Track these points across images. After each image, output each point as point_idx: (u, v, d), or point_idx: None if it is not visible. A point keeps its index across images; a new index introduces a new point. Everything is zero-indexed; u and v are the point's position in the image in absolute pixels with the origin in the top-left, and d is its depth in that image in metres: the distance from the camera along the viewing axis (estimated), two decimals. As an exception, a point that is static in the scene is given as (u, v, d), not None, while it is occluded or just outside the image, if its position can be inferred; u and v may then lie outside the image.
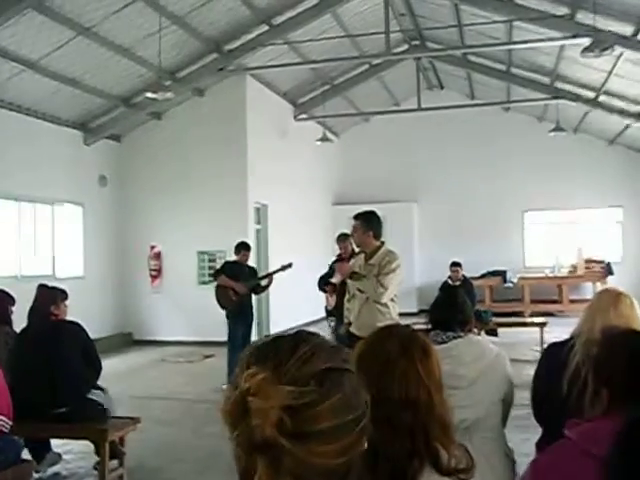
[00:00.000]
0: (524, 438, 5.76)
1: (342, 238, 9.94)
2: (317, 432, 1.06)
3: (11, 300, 6.18)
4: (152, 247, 15.38)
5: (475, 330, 10.98)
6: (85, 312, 12.24)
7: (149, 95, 11.65)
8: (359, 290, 6.35)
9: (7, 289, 6.61)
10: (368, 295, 6.26)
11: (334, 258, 10.63)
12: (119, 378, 10.65)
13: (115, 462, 5.79)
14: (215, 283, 10.40)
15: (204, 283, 14.08)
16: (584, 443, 1.65)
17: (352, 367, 1.17)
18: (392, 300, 6.34)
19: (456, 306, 3.64)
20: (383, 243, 6.50)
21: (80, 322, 5.98)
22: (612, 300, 3.24)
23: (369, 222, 6.48)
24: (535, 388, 3.43)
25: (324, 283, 10.30)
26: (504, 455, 3.41)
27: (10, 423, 4.53)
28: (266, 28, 13.39)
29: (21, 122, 12.35)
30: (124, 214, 15.35)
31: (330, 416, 1.07)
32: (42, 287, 5.96)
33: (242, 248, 10.45)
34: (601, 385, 1.81)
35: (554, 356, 3.25)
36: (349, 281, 6.61)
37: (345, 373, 1.13)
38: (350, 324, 6.53)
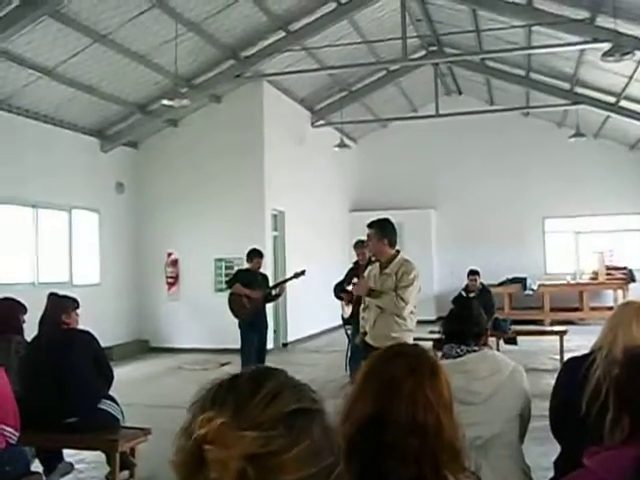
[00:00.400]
0: (543, 452, 5.62)
1: (359, 245, 9.87)
2: None
3: (22, 309, 6.12)
4: (169, 254, 15.35)
5: (493, 339, 10.87)
6: (101, 319, 12.32)
7: (165, 102, 11.63)
8: (379, 307, 6.23)
9: (23, 296, 6.57)
10: (389, 310, 6.14)
11: (351, 265, 10.56)
12: (135, 386, 10.61)
13: (126, 473, 5.72)
14: (228, 292, 10.30)
15: (221, 290, 14.01)
16: (604, 473, 1.54)
17: (321, 406, 1.03)
18: (410, 312, 6.23)
19: (470, 318, 3.53)
20: (399, 252, 6.40)
21: (94, 330, 5.92)
22: (635, 313, 3.11)
23: (384, 230, 6.38)
24: (553, 405, 3.30)
25: (340, 290, 10.23)
26: (522, 473, 3.30)
27: (17, 434, 4.46)
28: (283, 34, 13.34)
29: (38, 129, 12.36)
30: (141, 221, 15.33)
31: (298, 465, 0.93)
32: (53, 296, 5.89)
33: (255, 255, 10.30)
34: (622, 411, 1.69)
35: (573, 371, 3.13)
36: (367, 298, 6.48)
37: (315, 415, 1.00)
38: (366, 334, 6.43)
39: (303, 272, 10.48)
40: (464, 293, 12.00)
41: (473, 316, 3.55)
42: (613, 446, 1.65)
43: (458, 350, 3.38)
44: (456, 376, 3.01)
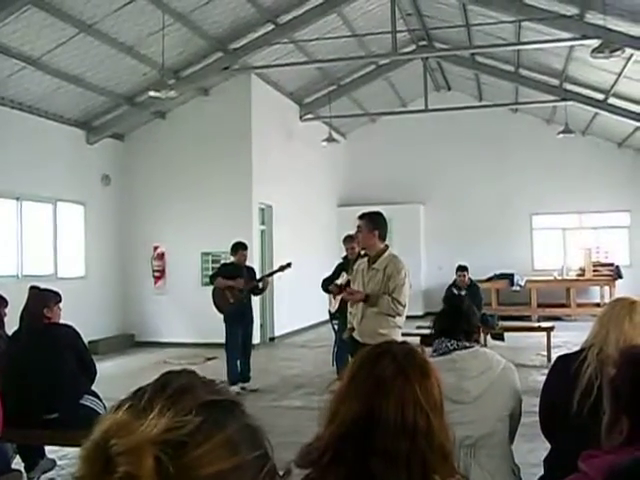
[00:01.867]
0: (531, 448, 5.59)
1: (348, 240, 9.82)
2: (216, 475, 0.80)
3: (3, 302, 6.01)
4: (155, 247, 15.23)
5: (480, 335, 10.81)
6: (87, 312, 12.23)
7: (152, 94, 11.48)
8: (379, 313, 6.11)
9: (7, 289, 6.48)
10: (385, 312, 6.05)
11: (339, 261, 10.49)
12: (120, 380, 10.48)
13: (109, 470, 5.62)
14: (212, 287, 10.18)
15: (208, 284, 13.93)
16: (601, 478, 1.47)
17: (237, 400, 0.92)
18: None
19: (461, 315, 3.47)
20: (387, 247, 6.32)
21: (79, 323, 5.83)
22: (627, 310, 3.05)
23: (375, 222, 6.27)
24: (544, 403, 3.25)
25: (328, 284, 10.15)
26: (510, 473, 3.25)
27: (-2, 435, 4.36)
28: (272, 27, 13.22)
29: (22, 120, 12.18)
30: (127, 214, 15.19)
31: (227, 453, 0.82)
32: (34, 289, 5.77)
33: (238, 248, 10.13)
34: (620, 413, 1.62)
35: (564, 369, 3.07)
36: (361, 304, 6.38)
37: (231, 407, 0.90)
38: (353, 329, 6.35)
39: (289, 265, 10.38)
40: (455, 290, 11.94)
41: (463, 313, 3.49)
42: (611, 450, 1.58)
43: (448, 344, 3.31)
44: (446, 374, 2.94)
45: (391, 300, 5.98)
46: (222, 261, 13.29)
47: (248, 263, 10.50)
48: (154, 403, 0.83)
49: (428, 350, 3.62)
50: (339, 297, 9.66)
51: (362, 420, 1.65)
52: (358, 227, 6.36)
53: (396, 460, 1.61)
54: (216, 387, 0.92)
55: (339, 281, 9.82)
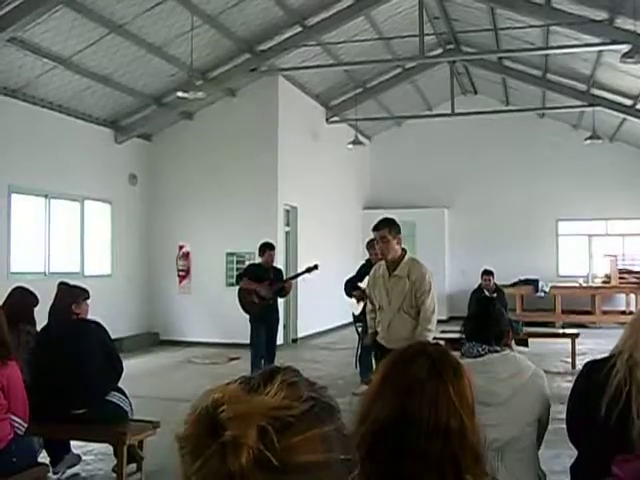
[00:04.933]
0: (554, 454, 5.56)
1: (372, 244, 9.74)
2: (310, 465, 0.83)
3: (34, 299, 6.08)
4: (180, 247, 15.32)
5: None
6: (112, 310, 12.30)
7: (180, 94, 11.59)
8: (405, 312, 6.03)
9: (34, 285, 6.53)
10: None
11: (362, 262, 10.46)
12: (144, 379, 10.57)
13: (133, 466, 5.68)
14: (237, 287, 10.21)
15: (232, 285, 13.96)
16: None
17: (337, 405, 0.95)
18: (432, 311, 6.07)
19: (492, 319, 3.47)
20: (405, 250, 6.20)
21: (104, 321, 5.88)
22: (658, 316, 3.03)
23: (397, 228, 6.13)
24: (571, 409, 3.22)
25: (351, 287, 10.12)
26: (537, 478, 3.23)
27: (25, 425, 4.42)
28: (299, 29, 13.27)
29: (52, 119, 12.33)
30: (153, 213, 15.31)
31: (322, 447, 0.86)
32: (63, 285, 5.84)
33: (266, 248, 10.10)
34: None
35: (593, 375, 3.04)
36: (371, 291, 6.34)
37: (331, 410, 0.93)
38: (375, 333, 6.28)
39: (316, 267, 10.35)
40: (487, 292, 11.88)
41: (495, 317, 3.49)
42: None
43: (479, 349, 3.31)
44: (476, 376, 2.94)
45: (423, 321, 5.93)
46: (246, 262, 13.35)
47: (274, 264, 10.49)
48: (264, 386, 0.88)
49: (455, 354, 3.62)
50: (362, 301, 9.65)
51: (395, 419, 1.65)
52: (382, 238, 6.06)
53: (428, 460, 1.61)
54: (318, 388, 0.95)
55: (363, 284, 9.79)
